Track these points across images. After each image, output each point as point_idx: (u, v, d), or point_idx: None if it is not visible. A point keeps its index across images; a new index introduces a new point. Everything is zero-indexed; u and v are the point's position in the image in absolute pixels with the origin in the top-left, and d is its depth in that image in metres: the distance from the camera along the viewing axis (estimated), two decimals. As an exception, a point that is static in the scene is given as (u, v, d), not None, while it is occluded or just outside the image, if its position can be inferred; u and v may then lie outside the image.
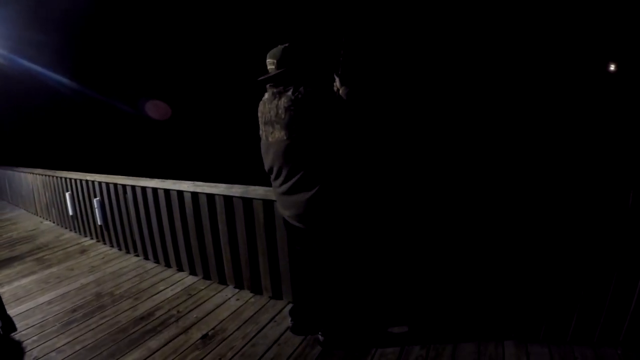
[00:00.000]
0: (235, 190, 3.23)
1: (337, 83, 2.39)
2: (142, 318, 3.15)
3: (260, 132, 2.35)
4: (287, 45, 2.21)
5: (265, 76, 2.24)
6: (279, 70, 2.18)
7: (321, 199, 2.20)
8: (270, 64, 2.22)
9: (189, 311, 3.21)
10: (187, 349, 2.69)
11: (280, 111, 2.14)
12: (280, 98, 2.16)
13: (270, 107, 2.21)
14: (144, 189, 4.12)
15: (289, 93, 2.13)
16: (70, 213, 5.73)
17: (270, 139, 2.24)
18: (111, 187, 4.65)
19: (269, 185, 2.48)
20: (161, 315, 3.18)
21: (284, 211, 2.40)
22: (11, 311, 3.25)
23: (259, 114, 2.34)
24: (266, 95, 2.30)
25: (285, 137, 2.14)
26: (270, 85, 2.26)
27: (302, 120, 2.10)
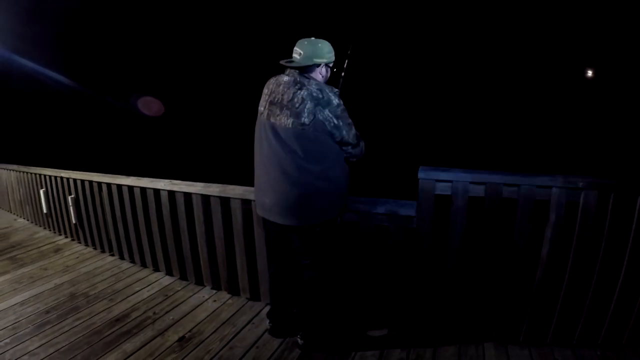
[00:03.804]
0: (213, 189, 3.17)
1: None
2: (118, 320, 3.08)
3: (261, 107, 2.31)
4: (321, 41, 2.25)
5: (292, 65, 2.22)
6: (308, 64, 2.20)
7: (312, 194, 2.19)
8: (297, 53, 2.21)
9: (166, 313, 3.14)
10: (163, 352, 2.64)
11: (296, 99, 2.13)
12: (301, 88, 2.14)
13: (284, 89, 2.19)
14: (119, 186, 4.02)
15: (312, 87, 2.13)
16: (45, 211, 5.58)
17: (272, 120, 2.20)
18: (86, 184, 4.54)
19: (248, 184, 2.41)
20: (137, 317, 3.11)
21: (266, 199, 2.32)
22: (-18, 313, 3.17)
23: (267, 90, 2.31)
24: (285, 78, 2.25)
25: (290, 125, 2.13)
26: (295, 71, 2.23)
27: (313, 116, 2.10)
